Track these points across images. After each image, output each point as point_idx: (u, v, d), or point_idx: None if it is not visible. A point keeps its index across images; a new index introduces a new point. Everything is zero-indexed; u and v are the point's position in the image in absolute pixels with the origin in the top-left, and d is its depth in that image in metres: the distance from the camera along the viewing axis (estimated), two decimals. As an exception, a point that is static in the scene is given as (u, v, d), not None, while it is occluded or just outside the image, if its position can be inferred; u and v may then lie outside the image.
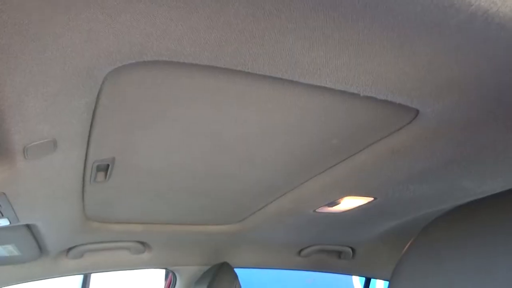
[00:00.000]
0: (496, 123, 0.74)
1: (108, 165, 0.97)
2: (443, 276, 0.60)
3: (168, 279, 1.91)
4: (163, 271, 2.84)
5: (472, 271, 0.56)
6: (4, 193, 0.90)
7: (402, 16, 0.45)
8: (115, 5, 0.45)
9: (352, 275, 2.91)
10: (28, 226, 1.22)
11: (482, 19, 0.45)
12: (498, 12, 0.43)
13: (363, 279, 2.31)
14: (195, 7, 0.46)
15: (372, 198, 1.22)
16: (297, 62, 0.57)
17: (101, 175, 1.02)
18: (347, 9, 0.45)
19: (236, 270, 1.72)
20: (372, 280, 2.28)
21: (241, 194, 1.27)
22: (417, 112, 0.74)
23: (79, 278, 2.96)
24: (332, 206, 1.30)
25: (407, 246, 0.72)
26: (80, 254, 1.59)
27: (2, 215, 1.03)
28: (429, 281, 0.62)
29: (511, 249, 0.53)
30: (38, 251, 1.43)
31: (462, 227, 0.62)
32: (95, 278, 3.02)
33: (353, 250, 1.95)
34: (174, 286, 1.83)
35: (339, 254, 1.98)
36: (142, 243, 1.66)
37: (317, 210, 1.35)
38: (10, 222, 1.11)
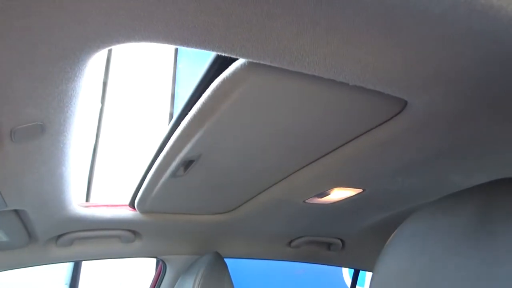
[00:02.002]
0: (483, 115, 0.75)
1: (192, 161, 1.03)
2: (425, 264, 0.61)
3: (158, 268, 1.91)
4: (154, 261, 2.85)
5: (454, 260, 0.57)
6: (-9, 177, 0.89)
7: (389, 3, 0.45)
8: None
9: (341, 266, 2.94)
10: (16, 212, 1.22)
11: (464, 7, 0.45)
12: None
13: (352, 271, 2.34)
14: None
15: (360, 190, 1.23)
16: (286, 49, 0.57)
17: (181, 170, 1.09)
18: None
19: (226, 260, 1.73)
20: (361, 272, 2.31)
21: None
22: (405, 103, 0.75)
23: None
24: (321, 197, 1.31)
25: (391, 237, 0.73)
26: (70, 241, 1.58)
27: (-11, 200, 1.03)
28: (411, 269, 0.63)
29: (491, 238, 0.53)
30: (27, 237, 1.43)
31: (445, 217, 0.63)
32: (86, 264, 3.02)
33: (342, 242, 1.96)
34: (164, 275, 1.84)
35: (328, 245, 1.99)
36: (133, 231, 1.66)
37: (306, 201, 1.36)
38: (-3, 207, 1.10)
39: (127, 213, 1.54)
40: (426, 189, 1.20)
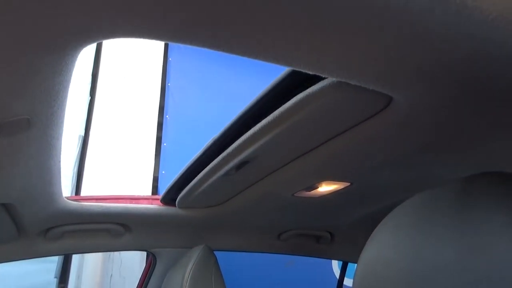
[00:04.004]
0: (464, 111, 0.76)
1: (246, 162, 1.07)
2: (407, 253, 0.63)
3: (148, 261, 1.92)
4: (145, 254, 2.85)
5: (434, 250, 0.59)
6: (-22, 171, 0.89)
7: (367, 1, 0.46)
8: None
9: (330, 259, 2.97)
10: (4, 206, 1.21)
11: (440, 6, 0.46)
12: None
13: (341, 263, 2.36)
14: None
15: (348, 183, 1.24)
16: (270, 44, 0.57)
17: (234, 169, 1.13)
18: None
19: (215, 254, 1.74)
20: (350, 264, 2.34)
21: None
22: (390, 98, 0.76)
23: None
24: (310, 191, 1.33)
25: (376, 228, 0.74)
26: (59, 235, 1.58)
27: (-23, 193, 1.02)
28: (394, 258, 0.65)
29: (469, 230, 0.55)
30: (16, 231, 1.42)
31: (428, 209, 0.64)
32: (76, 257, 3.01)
33: (331, 234, 1.99)
34: (154, 268, 1.85)
35: (317, 238, 2.02)
36: (123, 225, 1.67)
37: (295, 195, 1.37)
38: (-15, 201, 1.10)
39: (116, 206, 1.54)
40: (412, 183, 1.22)
